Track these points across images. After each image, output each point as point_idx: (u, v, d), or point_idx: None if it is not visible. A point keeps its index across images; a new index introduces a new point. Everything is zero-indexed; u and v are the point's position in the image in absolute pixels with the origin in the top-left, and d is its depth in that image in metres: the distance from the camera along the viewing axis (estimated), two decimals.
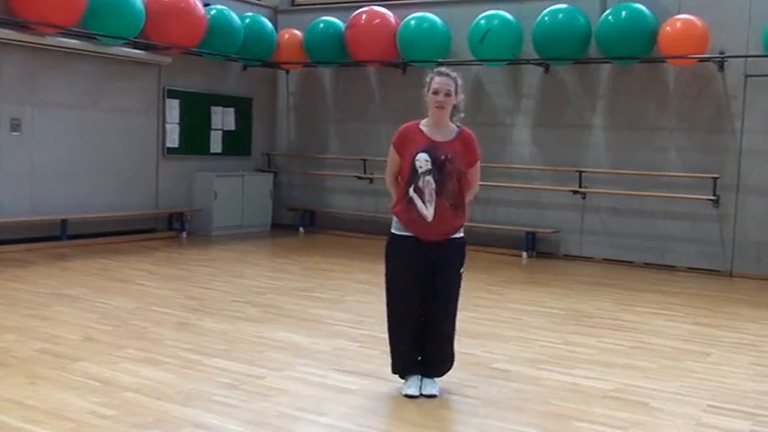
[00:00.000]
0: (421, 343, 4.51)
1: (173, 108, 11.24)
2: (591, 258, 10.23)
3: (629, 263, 9.96)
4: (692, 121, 9.62)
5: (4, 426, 3.82)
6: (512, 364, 5.22)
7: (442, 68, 4.52)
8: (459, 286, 4.52)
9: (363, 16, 10.99)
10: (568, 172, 10.24)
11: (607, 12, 9.64)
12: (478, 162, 4.58)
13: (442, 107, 4.38)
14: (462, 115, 4.57)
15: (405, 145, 4.44)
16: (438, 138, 4.41)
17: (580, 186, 10.13)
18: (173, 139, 11.29)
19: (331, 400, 4.40)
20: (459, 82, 4.46)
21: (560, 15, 9.80)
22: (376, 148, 11.21)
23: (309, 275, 8.58)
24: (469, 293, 7.67)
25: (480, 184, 10.43)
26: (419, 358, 4.54)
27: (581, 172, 10.11)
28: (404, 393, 4.44)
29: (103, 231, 10.24)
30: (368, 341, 5.65)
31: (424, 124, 4.48)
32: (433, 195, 4.33)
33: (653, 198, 9.76)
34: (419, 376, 4.51)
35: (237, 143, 12.31)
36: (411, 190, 4.36)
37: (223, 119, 12.05)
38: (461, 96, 4.49)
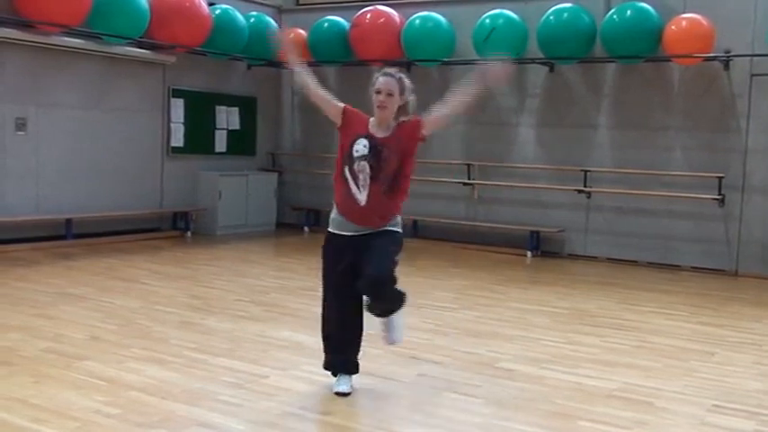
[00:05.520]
0: (355, 344, 4.51)
1: (177, 107, 11.26)
2: (595, 258, 10.22)
3: (634, 262, 9.94)
4: (697, 120, 9.61)
5: (10, 424, 3.84)
6: (516, 364, 5.22)
7: (390, 69, 4.47)
8: (394, 251, 4.34)
9: (368, 15, 11.00)
10: (573, 171, 10.23)
11: (612, 11, 9.63)
12: (420, 120, 4.37)
13: (384, 107, 4.35)
14: (409, 118, 4.43)
15: (352, 122, 4.43)
16: (378, 134, 4.38)
17: (585, 186, 10.12)
18: (177, 139, 11.31)
19: (335, 399, 4.39)
20: (407, 83, 4.40)
21: (565, 14, 9.79)
22: None
23: (313, 275, 8.51)
24: (473, 292, 7.71)
25: (484, 183, 10.34)
26: (354, 358, 4.51)
27: (586, 171, 10.10)
28: (334, 391, 4.42)
29: (108, 231, 10.26)
30: (371, 340, 5.64)
31: (371, 121, 4.44)
32: (368, 181, 4.30)
33: (658, 197, 9.74)
34: (350, 376, 4.49)
35: (242, 142, 12.32)
36: (346, 169, 4.36)
37: (228, 118, 12.06)
38: (411, 98, 4.41)
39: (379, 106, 4.36)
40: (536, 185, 10.54)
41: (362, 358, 5.22)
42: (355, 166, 4.34)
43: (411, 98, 4.45)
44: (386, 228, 4.40)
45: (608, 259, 10.14)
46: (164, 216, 11.24)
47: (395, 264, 4.37)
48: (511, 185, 10.68)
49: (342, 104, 4.51)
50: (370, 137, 4.37)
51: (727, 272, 9.43)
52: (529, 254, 10.28)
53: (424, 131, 4.39)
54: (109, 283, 7.49)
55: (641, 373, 5.09)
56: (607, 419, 4.20)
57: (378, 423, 4.11)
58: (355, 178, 4.34)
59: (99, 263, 8.60)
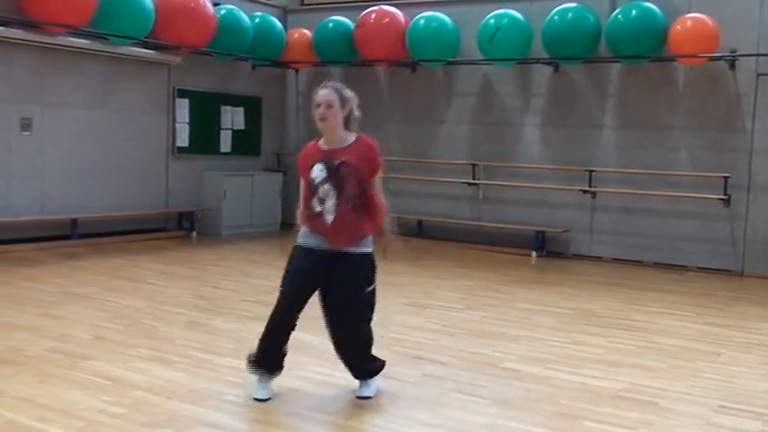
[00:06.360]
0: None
1: (182, 107, 11.28)
2: (600, 258, 10.20)
3: (639, 262, 9.92)
4: (702, 120, 9.59)
5: (16, 424, 3.85)
6: (521, 364, 5.22)
7: (329, 82, 4.46)
8: (365, 302, 4.37)
9: (372, 15, 10.99)
10: (578, 171, 10.22)
11: (617, 11, 9.62)
12: (380, 172, 4.43)
13: (324, 118, 4.32)
14: (372, 145, 4.47)
15: (305, 165, 4.42)
16: (331, 147, 4.37)
17: (590, 186, 10.10)
18: (183, 139, 11.32)
19: (340, 399, 4.40)
20: (347, 94, 4.38)
21: (570, 14, 9.78)
22: (385, 147, 11.18)
23: None
24: (478, 292, 7.70)
25: (490, 183, 10.27)
26: (280, 359, 4.43)
27: (591, 171, 10.09)
28: (253, 397, 4.32)
29: (114, 230, 10.27)
30: (376, 340, 5.63)
31: (321, 141, 4.43)
32: (334, 201, 4.27)
33: (663, 197, 9.73)
34: (270, 382, 4.39)
35: (247, 143, 12.33)
36: (314, 201, 4.32)
37: (233, 118, 12.07)
38: (355, 107, 4.40)
39: (319, 119, 4.33)
40: (541, 185, 10.53)
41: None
42: (320, 193, 4.30)
43: (355, 108, 4.41)
44: (357, 251, 4.32)
45: (613, 259, 10.12)
46: (169, 216, 11.25)
47: (371, 314, 4.41)
48: (516, 185, 10.67)
49: (299, 174, 4.51)
50: (325, 155, 4.33)
51: (732, 272, 9.41)
52: (534, 254, 10.26)
53: (376, 175, 4.41)
54: (114, 283, 7.50)
55: (647, 374, 5.08)
56: (613, 420, 4.19)
57: (383, 423, 4.11)
58: (322, 203, 4.30)
59: (104, 263, 8.61)
